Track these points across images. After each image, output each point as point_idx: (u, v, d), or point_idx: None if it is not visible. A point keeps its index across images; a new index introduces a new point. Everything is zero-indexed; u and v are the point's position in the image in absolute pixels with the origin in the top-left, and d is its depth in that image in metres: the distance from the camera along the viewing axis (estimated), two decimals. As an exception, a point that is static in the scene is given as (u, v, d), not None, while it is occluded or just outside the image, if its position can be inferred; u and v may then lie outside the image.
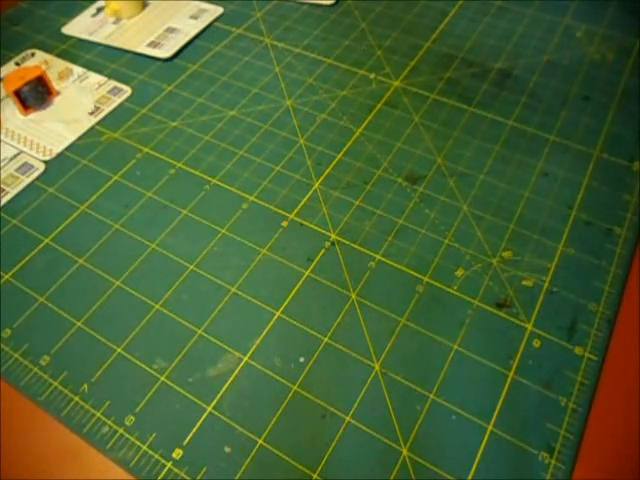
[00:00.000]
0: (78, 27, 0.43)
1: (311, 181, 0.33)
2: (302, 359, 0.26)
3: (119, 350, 0.26)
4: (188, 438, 0.24)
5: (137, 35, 0.42)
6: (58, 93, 0.38)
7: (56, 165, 0.34)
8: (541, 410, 0.24)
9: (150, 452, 0.23)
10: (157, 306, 0.28)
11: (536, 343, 0.26)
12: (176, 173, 0.34)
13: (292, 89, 0.38)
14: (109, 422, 0.24)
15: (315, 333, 0.27)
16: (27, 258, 0.30)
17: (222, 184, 0.33)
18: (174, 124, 0.36)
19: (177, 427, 0.24)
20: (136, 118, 0.37)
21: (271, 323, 0.27)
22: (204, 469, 0.23)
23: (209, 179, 0.33)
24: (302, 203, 0.32)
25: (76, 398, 0.25)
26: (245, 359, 0.26)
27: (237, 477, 0.23)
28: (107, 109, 0.37)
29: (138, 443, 0.24)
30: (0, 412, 0.25)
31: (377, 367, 0.26)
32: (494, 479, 0.23)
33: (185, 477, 0.23)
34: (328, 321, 0.27)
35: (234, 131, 0.36)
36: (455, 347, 0.26)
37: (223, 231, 0.31)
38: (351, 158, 0.34)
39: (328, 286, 0.28)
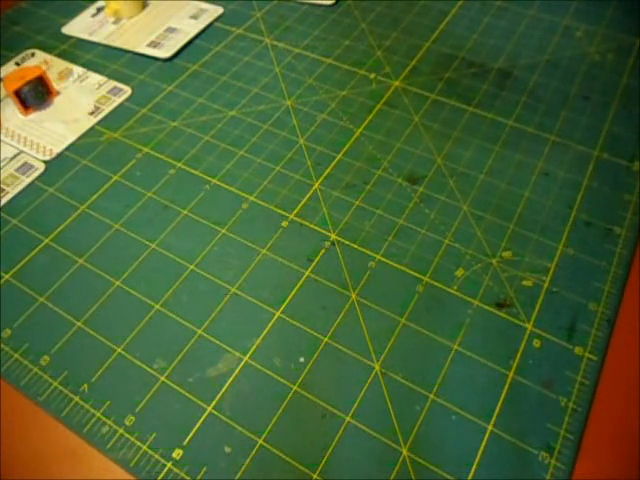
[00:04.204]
0: (78, 27, 0.43)
1: (311, 181, 0.33)
2: (302, 359, 0.26)
3: (119, 350, 0.26)
4: (188, 438, 0.24)
5: (137, 35, 0.42)
6: (58, 93, 0.38)
7: (56, 165, 0.34)
8: (541, 410, 0.24)
9: (150, 452, 0.23)
10: (157, 306, 0.28)
11: (536, 343, 0.26)
12: (176, 173, 0.34)
13: (292, 89, 0.38)
14: (109, 422, 0.24)
15: (315, 333, 0.27)
16: (27, 258, 0.30)
17: (222, 184, 0.33)
18: (174, 124, 0.36)
19: (177, 427, 0.24)
20: (136, 118, 0.37)
21: (271, 323, 0.27)
22: (204, 469, 0.23)
23: (209, 179, 0.33)
24: (302, 203, 0.32)
25: (76, 398, 0.25)
26: (245, 359, 0.26)
27: (237, 477, 0.23)
28: (107, 109, 0.37)
29: (138, 443, 0.24)
30: (0, 412, 0.25)
31: (377, 367, 0.26)
32: (494, 479, 0.23)
33: (185, 477, 0.23)
34: (328, 321, 0.27)
35: (234, 131, 0.36)
36: (455, 347, 0.26)
37: (223, 231, 0.31)
38: (351, 158, 0.34)
39: (328, 286, 0.28)
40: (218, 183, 0.33)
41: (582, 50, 0.40)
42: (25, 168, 0.34)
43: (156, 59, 0.41)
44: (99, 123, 0.37)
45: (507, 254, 0.29)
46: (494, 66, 0.39)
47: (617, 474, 0.23)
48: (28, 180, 0.33)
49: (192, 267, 0.29)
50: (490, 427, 0.24)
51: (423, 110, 0.37)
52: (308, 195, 0.32)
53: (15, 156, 0.35)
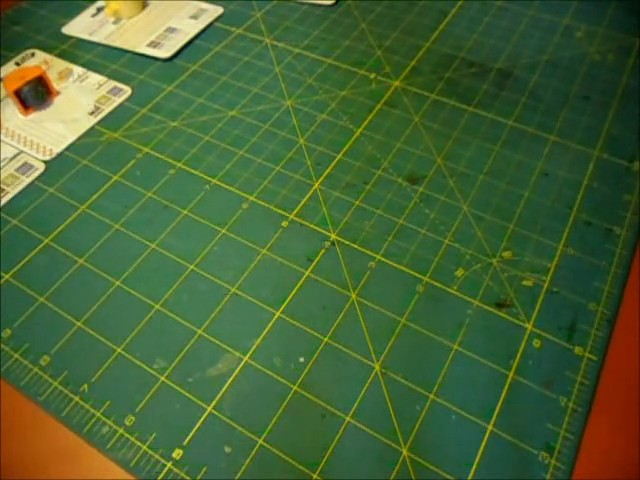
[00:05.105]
0: (78, 27, 0.43)
1: (311, 181, 0.33)
2: (302, 359, 0.26)
3: (119, 350, 0.26)
4: (188, 438, 0.24)
5: (137, 35, 0.42)
6: (58, 93, 0.38)
7: (56, 165, 0.34)
8: (541, 410, 0.24)
9: (150, 452, 0.23)
10: (157, 306, 0.28)
11: (536, 343, 0.26)
12: (176, 173, 0.34)
13: (292, 89, 0.38)
14: (109, 422, 0.24)
15: (315, 333, 0.27)
16: (27, 258, 0.30)
17: (222, 184, 0.33)
18: (174, 124, 0.36)
19: (177, 427, 0.24)
20: (136, 118, 0.37)
21: (271, 323, 0.27)
22: (204, 469, 0.23)
23: (209, 179, 0.33)
24: (302, 203, 0.32)
25: (76, 398, 0.25)
26: (245, 359, 0.26)
27: (237, 477, 0.23)
28: (107, 109, 0.37)
29: (138, 443, 0.24)
30: (0, 412, 0.25)
31: (377, 367, 0.26)
32: (494, 479, 0.23)
33: (185, 477, 0.23)
34: (328, 321, 0.27)
35: (234, 131, 0.36)
36: (455, 347, 0.26)
37: (223, 231, 0.31)
38: (351, 158, 0.34)
39: (328, 286, 0.28)
40: (218, 183, 0.33)
41: (582, 50, 0.40)
42: (25, 168, 0.34)
43: (156, 59, 0.41)
44: (99, 123, 0.37)
45: (507, 254, 0.29)
46: (494, 66, 0.39)
47: (617, 474, 0.23)
48: (28, 180, 0.33)
49: (192, 267, 0.29)
50: (490, 427, 0.24)
51: (423, 110, 0.37)
52: (308, 195, 0.32)
53: (15, 156, 0.35)
